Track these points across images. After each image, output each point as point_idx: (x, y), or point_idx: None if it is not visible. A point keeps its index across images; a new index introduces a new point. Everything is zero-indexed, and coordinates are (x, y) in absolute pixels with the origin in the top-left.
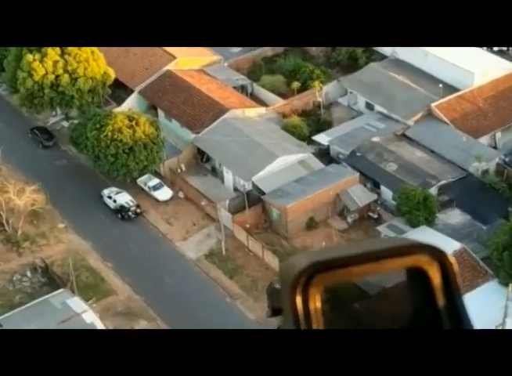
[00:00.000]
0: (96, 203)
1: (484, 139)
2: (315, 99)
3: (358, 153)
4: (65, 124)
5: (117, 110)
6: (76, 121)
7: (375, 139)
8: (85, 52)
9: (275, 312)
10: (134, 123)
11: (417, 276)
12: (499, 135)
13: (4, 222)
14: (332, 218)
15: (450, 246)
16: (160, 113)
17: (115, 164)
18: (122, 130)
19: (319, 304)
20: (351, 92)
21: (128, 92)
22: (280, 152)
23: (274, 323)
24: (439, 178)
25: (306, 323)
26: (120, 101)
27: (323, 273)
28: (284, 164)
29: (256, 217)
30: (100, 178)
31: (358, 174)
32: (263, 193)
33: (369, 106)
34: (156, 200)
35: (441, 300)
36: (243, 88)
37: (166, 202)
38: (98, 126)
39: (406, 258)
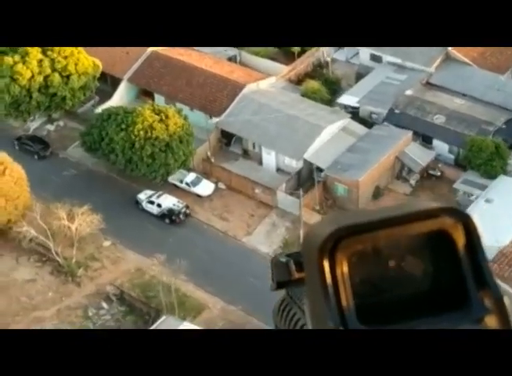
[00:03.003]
0: (132, 210)
1: (506, 75)
2: (313, 59)
3: (396, 110)
4: (50, 127)
5: (110, 103)
6: (61, 124)
7: (409, 92)
8: None
9: (279, 285)
10: (163, 116)
11: (441, 239)
12: None
13: (53, 251)
14: (392, 183)
15: None
16: (159, 99)
17: (152, 165)
18: (154, 126)
19: (346, 269)
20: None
21: (107, 81)
22: (323, 122)
23: (279, 294)
24: (494, 124)
25: (334, 288)
26: (100, 93)
27: (350, 238)
28: (328, 135)
29: (318, 196)
30: (122, 182)
31: (411, 132)
32: (318, 170)
33: (376, 59)
34: (198, 196)
35: (465, 263)
36: (230, 59)
37: (209, 197)
38: (124, 126)
39: (430, 222)
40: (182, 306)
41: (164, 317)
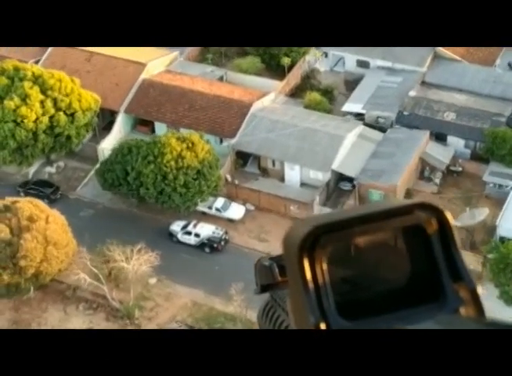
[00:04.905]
0: (167, 242)
1: (494, 68)
2: (301, 71)
3: (405, 112)
4: (51, 170)
5: (111, 136)
6: (62, 164)
7: (412, 93)
8: (66, 81)
9: (263, 288)
10: (189, 143)
11: (416, 234)
12: (498, 60)
13: (108, 296)
14: (417, 183)
15: None
16: (161, 127)
17: (186, 195)
18: (183, 155)
19: (325, 265)
20: (326, 54)
21: (98, 115)
22: (341, 132)
23: (263, 298)
24: (503, 114)
25: (314, 284)
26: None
27: (327, 235)
28: (348, 144)
29: (347, 205)
30: (146, 216)
31: (428, 132)
32: (346, 179)
33: (363, 64)
34: (230, 221)
35: (440, 256)
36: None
37: (241, 220)
38: (151, 158)
39: (405, 217)
40: None
41: None
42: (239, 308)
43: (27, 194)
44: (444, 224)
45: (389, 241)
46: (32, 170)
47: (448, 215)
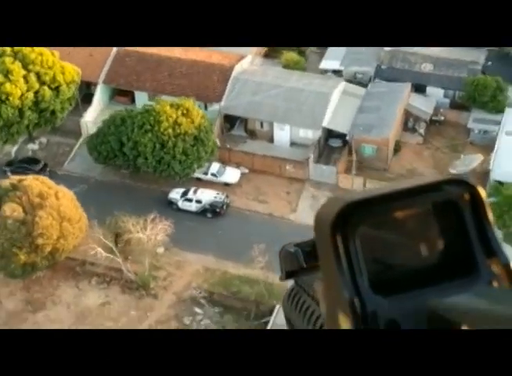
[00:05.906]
0: (167, 211)
1: None
2: None
3: (383, 66)
4: (33, 146)
5: (92, 108)
6: (44, 140)
7: (388, 48)
8: (47, 54)
9: (288, 275)
10: (183, 110)
11: (447, 209)
12: None
13: (123, 268)
14: (401, 135)
15: None
16: (141, 96)
17: (186, 162)
18: (179, 122)
19: (358, 243)
20: None
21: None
22: (327, 89)
23: (288, 284)
24: (478, 62)
25: (347, 261)
26: None
27: (360, 212)
28: (333, 101)
29: (353, 160)
30: (141, 186)
31: (409, 85)
32: (335, 136)
33: None
34: (226, 185)
35: (473, 232)
36: None
37: (237, 183)
38: (148, 127)
39: (437, 193)
40: (273, 295)
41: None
42: (260, 270)
43: (14, 173)
44: (476, 199)
45: (421, 217)
46: (14, 148)
47: (481, 191)
